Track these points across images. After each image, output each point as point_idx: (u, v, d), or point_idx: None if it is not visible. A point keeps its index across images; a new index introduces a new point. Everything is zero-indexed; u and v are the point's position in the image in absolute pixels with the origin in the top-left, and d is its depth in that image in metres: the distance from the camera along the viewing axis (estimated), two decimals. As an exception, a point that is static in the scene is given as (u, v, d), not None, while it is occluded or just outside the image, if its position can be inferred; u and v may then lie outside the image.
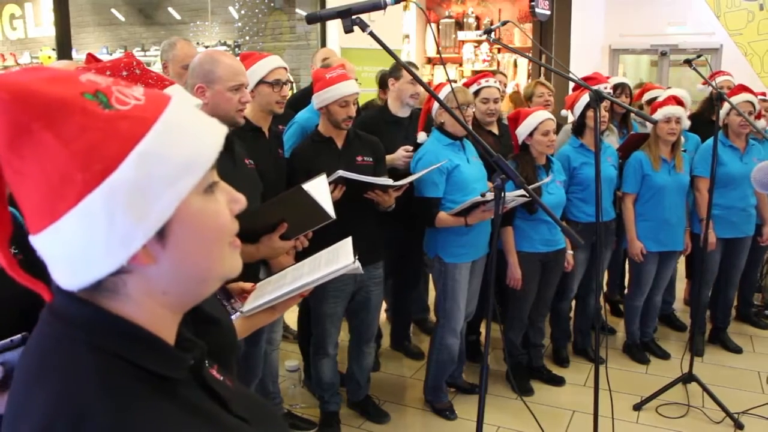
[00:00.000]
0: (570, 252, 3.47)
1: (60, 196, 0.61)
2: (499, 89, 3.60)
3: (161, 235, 0.64)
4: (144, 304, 0.67)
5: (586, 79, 3.71)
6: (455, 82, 4.04)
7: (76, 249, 0.62)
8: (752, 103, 3.74)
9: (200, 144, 0.67)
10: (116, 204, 0.61)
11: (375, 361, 3.88)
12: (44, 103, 0.60)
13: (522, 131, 3.22)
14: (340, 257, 1.50)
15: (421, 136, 3.23)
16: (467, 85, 3.60)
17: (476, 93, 3.51)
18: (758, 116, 3.93)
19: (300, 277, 1.42)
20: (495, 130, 3.65)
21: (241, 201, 0.74)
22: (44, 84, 0.61)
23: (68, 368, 0.63)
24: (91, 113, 0.61)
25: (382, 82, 3.80)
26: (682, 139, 3.77)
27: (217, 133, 0.69)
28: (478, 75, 3.73)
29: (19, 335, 1.21)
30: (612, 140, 3.96)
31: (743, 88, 3.83)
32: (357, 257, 1.44)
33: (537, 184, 3.01)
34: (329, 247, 1.62)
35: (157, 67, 3.47)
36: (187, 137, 0.66)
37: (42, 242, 0.64)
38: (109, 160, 0.61)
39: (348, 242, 1.61)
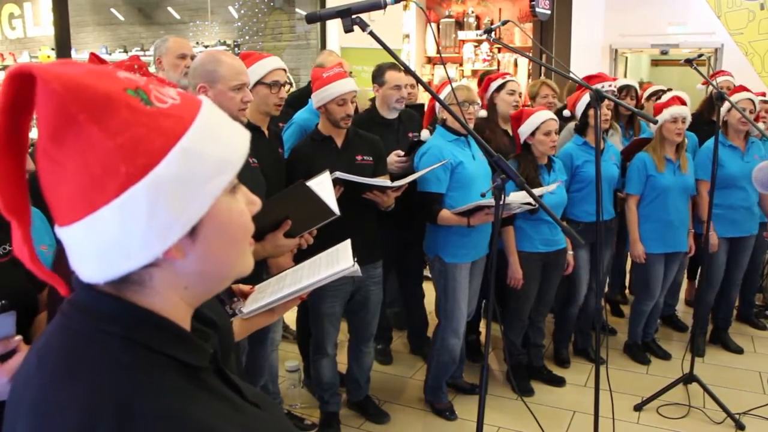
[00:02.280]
0: (570, 253, 3.46)
1: (100, 187, 0.62)
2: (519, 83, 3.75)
3: (192, 230, 0.66)
4: (168, 298, 0.69)
5: (591, 77, 3.71)
6: (455, 81, 4.05)
7: (111, 240, 0.63)
8: (752, 101, 3.75)
9: (231, 144, 0.70)
10: (159, 197, 0.62)
11: (388, 356, 3.88)
12: (92, 96, 0.62)
13: (524, 130, 3.22)
14: (339, 259, 1.51)
15: (425, 134, 3.24)
16: (491, 79, 3.66)
17: (502, 86, 3.64)
18: (757, 118, 3.93)
19: (299, 279, 1.42)
20: (509, 129, 3.65)
21: (257, 203, 0.76)
22: (89, 78, 0.63)
23: (105, 362, 0.64)
24: (135, 109, 0.63)
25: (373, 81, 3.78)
26: (686, 140, 3.77)
27: (244, 135, 0.73)
28: (499, 73, 3.86)
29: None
30: (615, 140, 3.95)
31: (744, 88, 3.85)
32: (356, 260, 1.44)
33: (542, 190, 2.98)
34: (328, 249, 1.61)
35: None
36: (220, 137, 0.69)
37: (72, 234, 0.65)
38: (152, 155, 0.63)
39: (347, 244, 1.61)
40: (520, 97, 3.64)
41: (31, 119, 0.66)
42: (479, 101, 3.18)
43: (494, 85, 3.65)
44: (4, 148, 0.65)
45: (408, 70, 1.93)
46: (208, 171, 0.66)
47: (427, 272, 3.84)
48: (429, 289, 3.64)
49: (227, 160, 0.68)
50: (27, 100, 0.63)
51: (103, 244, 0.63)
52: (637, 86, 4.51)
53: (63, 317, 0.69)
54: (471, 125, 3.10)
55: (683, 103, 3.58)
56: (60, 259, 0.85)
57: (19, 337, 1.25)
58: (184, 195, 0.64)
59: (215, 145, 0.67)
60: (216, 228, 0.68)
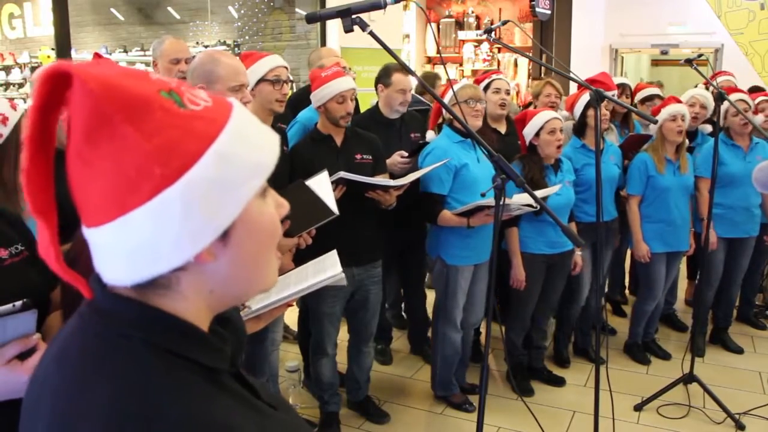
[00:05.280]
0: (579, 253, 3.44)
1: (134, 189, 0.61)
2: (508, 82, 3.67)
3: (224, 234, 0.66)
4: (192, 301, 0.69)
5: (591, 79, 3.71)
6: (456, 81, 4.04)
7: (142, 243, 0.62)
8: (746, 102, 3.78)
9: (263, 147, 0.69)
10: (193, 200, 0.62)
11: (388, 356, 3.88)
12: (128, 97, 0.61)
13: (528, 131, 3.21)
14: (326, 268, 1.54)
15: (430, 135, 3.23)
16: (478, 81, 3.63)
17: (488, 86, 3.57)
18: (755, 112, 3.96)
19: (287, 286, 1.46)
20: (502, 129, 3.64)
21: (285, 206, 0.76)
22: (124, 79, 0.62)
23: (129, 367, 0.63)
24: (169, 111, 0.63)
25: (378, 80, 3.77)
26: (686, 141, 3.76)
27: (275, 138, 0.72)
28: (488, 72, 3.79)
29: (19, 301, 1.20)
30: (612, 138, 3.95)
31: (736, 89, 3.91)
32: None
33: (545, 192, 2.96)
34: (315, 258, 1.66)
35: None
36: (253, 140, 0.68)
37: (102, 235, 0.64)
38: (187, 157, 0.62)
39: (334, 254, 1.64)
40: (507, 94, 3.60)
41: (58, 119, 0.65)
42: (484, 99, 3.17)
43: (481, 86, 3.62)
44: (37, 149, 0.64)
45: (409, 71, 1.93)
46: (241, 174, 0.65)
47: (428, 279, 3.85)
48: (429, 290, 3.65)
49: (259, 164, 0.67)
50: (58, 100, 0.63)
51: (133, 246, 0.63)
52: (632, 85, 4.51)
53: (82, 320, 0.69)
54: (479, 122, 3.08)
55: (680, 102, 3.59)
56: (76, 261, 0.83)
57: (37, 335, 1.24)
58: (218, 198, 0.63)
59: (248, 148, 0.67)
60: (247, 231, 0.68)
